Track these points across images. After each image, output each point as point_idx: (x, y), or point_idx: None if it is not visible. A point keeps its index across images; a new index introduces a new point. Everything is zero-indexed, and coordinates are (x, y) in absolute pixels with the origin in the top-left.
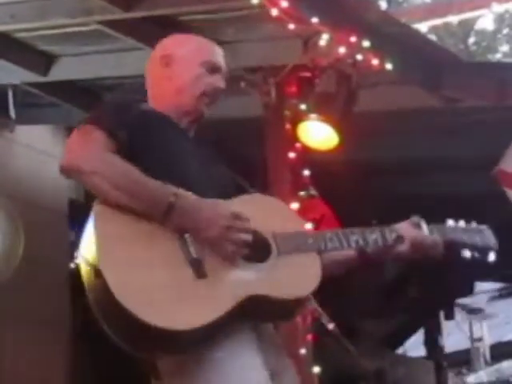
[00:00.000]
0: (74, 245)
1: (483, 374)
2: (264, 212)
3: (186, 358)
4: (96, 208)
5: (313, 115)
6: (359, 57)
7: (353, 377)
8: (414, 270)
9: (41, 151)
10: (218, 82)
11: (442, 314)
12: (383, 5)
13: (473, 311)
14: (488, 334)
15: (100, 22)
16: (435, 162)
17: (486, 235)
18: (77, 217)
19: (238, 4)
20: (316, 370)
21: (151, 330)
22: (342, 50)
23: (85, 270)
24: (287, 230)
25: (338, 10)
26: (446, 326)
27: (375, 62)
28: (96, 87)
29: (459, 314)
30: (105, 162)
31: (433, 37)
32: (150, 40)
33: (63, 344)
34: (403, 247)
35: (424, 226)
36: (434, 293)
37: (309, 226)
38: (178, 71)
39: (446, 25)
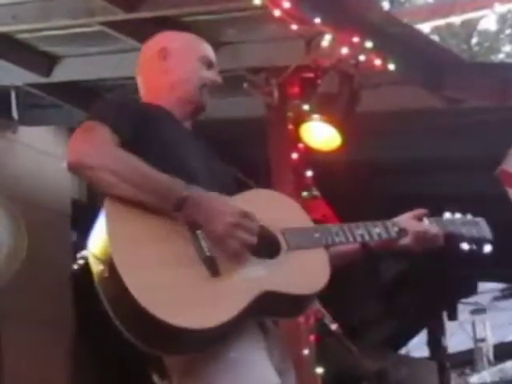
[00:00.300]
0: (77, 245)
1: (486, 374)
2: (270, 207)
3: (198, 356)
4: (107, 204)
5: (315, 116)
6: (362, 57)
7: (355, 377)
8: (414, 271)
9: (43, 152)
10: (216, 76)
11: (445, 315)
12: (386, 5)
13: (476, 312)
14: (491, 334)
15: (102, 23)
16: (437, 163)
17: (482, 227)
18: (79, 217)
19: (241, 5)
20: (319, 370)
21: (167, 328)
22: (344, 50)
23: (96, 267)
24: (294, 224)
25: (341, 10)
26: (449, 326)
27: (378, 62)
28: (98, 88)
29: (462, 315)
30: (111, 155)
31: (435, 37)
32: None
33: (64, 344)
34: (406, 240)
35: (425, 218)
36: (436, 293)
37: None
38: (177, 64)
39: (449, 25)
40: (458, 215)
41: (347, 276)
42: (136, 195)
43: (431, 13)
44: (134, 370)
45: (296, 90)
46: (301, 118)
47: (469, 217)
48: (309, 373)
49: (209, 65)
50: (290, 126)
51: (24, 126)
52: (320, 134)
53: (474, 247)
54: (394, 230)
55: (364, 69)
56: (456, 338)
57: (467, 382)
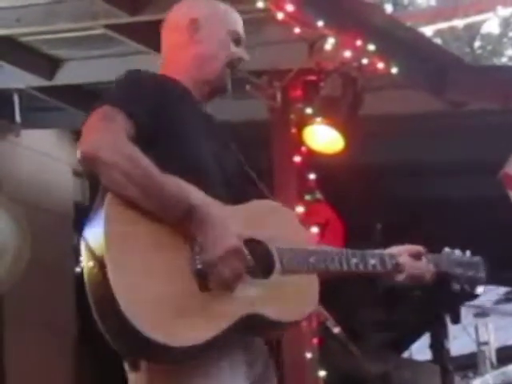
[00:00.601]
0: (79, 248)
1: (489, 377)
2: (271, 223)
3: (175, 367)
4: (109, 201)
5: (318, 119)
6: (365, 60)
7: (358, 380)
8: None
9: (46, 155)
10: (243, 53)
11: (447, 318)
12: (389, 8)
13: (479, 315)
14: (494, 337)
15: (106, 26)
16: (440, 166)
17: (479, 268)
18: (82, 220)
19: (244, 7)
20: (322, 373)
21: (146, 341)
22: (347, 53)
23: (87, 260)
24: (292, 244)
25: (344, 13)
26: (452, 329)
27: (380, 65)
28: (101, 91)
29: (465, 318)
30: (126, 155)
31: (438, 40)
32: (156, 44)
33: (67, 347)
34: (400, 277)
35: (424, 258)
36: (439, 297)
37: (314, 229)
38: (205, 37)
39: (452, 28)
40: (456, 253)
41: (350, 278)
42: (142, 200)
43: (434, 16)
44: None
45: (299, 93)
46: (304, 121)
47: (467, 255)
48: (311, 376)
49: (237, 41)
50: (293, 129)
51: (27, 129)
52: (323, 137)
53: (467, 288)
54: (390, 264)
55: (367, 72)
56: (459, 342)
57: None
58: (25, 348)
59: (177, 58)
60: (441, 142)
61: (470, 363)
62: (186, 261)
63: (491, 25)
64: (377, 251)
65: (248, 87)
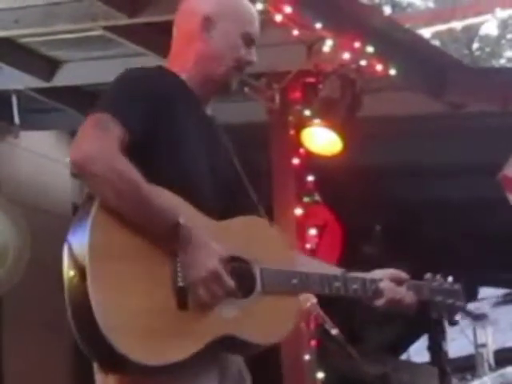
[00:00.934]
0: None
1: (487, 379)
2: (256, 241)
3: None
4: (96, 210)
5: (317, 121)
6: (363, 62)
7: (356, 382)
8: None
9: (45, 156)
10: (252, 55)
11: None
12: (387, 10)
13: (477, 317)
14: (492, 339)
15: (105, 28)
16: (439, 167)
17: (459, 297)
18: None
19: None
20: (320, 375)
21: (120, 357)
22: (345, 55)
23: (68, 268)
24: (277, 262)
25: (342, 15)
26: (450, 331)
27: (379, 67)
28: (100, 93)
29: (463, 320)
30: (116, 170)
31: (436, 42)
32: (155, 46)
33: (66, 346)
34: (380, 302)
35: (405, 284)
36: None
37: (313, 231)
38: (217, 37)
39: (450, 30)
40: (437, 279)
41: None
42: (129, 214)
43: (432, 18)
44: None
45: (297, 94)
46: (302, 123)
47: (448, 283)
48: (310, 378)
49: (249, 42)
50: (292, 131)
51: (26, 131)
52: (321, 139)
53: (445, 315)
54: (371, 289)
55: (365, 74)
56: (457, 344)
57: None
58: (24, 348)
59: (186, 49)
60: (440, 143)
61: (468, 365)
62: (167, 276)
63: (489, 26)
64: (360, 275)
65: (247, 89)
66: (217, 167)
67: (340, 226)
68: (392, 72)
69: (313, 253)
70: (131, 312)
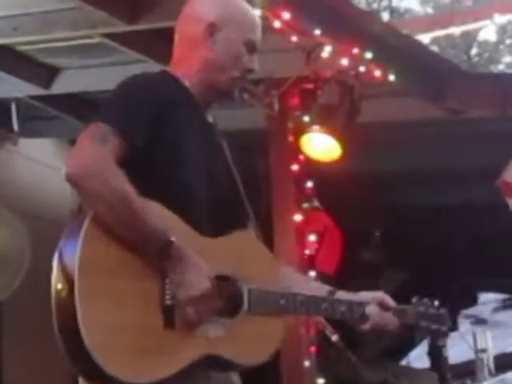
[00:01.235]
0: None
1: None
2: (245, 260)
3: None
4: (88, 223)
5: (316, 127)
6: (362, 68)
7: None
8: (414, 283)
9: (43, 163)
10: (254, 63)
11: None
12: (385, 16)
13: (477, 322)
14: (492, 344)
15: (103, 35)
16: (437, 173)
17: (444, 322)
18: None
19: None
20: (320, 381)
21: (103, 373)
22: (344, 61)
23: (56, 281)
24: (266, 282)
25: (341, 21)
26: (450, 337)
27: (378, 73)
28: (99, 100)
29: (463, 325)
30: (111, 187)
31: (435, 48)
32: (154, 52)
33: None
34: (365, 326)
35: (391, 311)
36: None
37: (312, 237)
38: (221, 44)
39: (448, 36)
40: (424, 303)
41: (349, 287)
42: (120, 230)
43: (431, 23)
44: None
45: (296, 101)
46: (301, 129)
47: (434, 307)
48: None
49: (252, 50)
50: (291, 137)
51: (24, 138)
52: (320, 145)
53: (429, 340)
54: (357, 312)
55: (364, 80)
56: (457, 349)
57: None
58: (24, 354)
59: (189, 55)
60: (439, 149)
61: (468, 371)
62: (155, 294)
63: (488, 32)
64: (347, 297)
65: (246, 95)
66: (215, 175)
67: (339, 232)
68: (390, 78)
69: (312, 259)
70: (117, 329)
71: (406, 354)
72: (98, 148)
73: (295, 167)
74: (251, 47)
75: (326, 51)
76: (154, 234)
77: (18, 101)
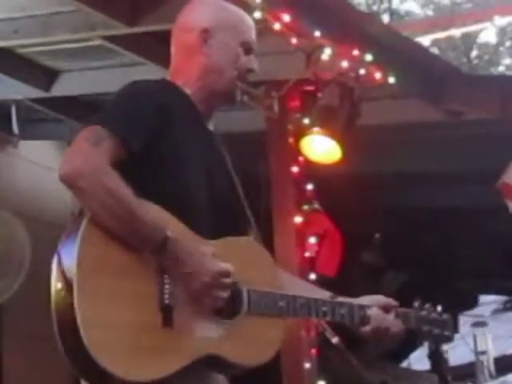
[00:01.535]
0: None
1: None
2: (245, 262)
3: None
4: (86, 224)
5: (316, 129)
6: (362, 70)
7: None
8: (415, 283)
9: (44, 166)
10: (252, 63)
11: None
12: (386, 18)
13: (477, 324)
14: (492, 347)
15: (103, 38)
16: (438, 176)
17: (447, 327)
18: None
19: None
20: (320, 383)
21: (103, 371)
22: (344, 63)
23: (56, 281)
24: (265, 285)
25: (341, 23)
26: None
27: (378, 75)
28: (99, 102)
29: (463, 327)
30: (105, 187)
31: (435, 50)
32: (154, 55)
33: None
34: (366, 329)
35: (393, 313)
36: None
37: (312, 239)
38: (217, 49)
39: (449, 38)
40: (426, 308)
41: (349, 289)
42: (117, 230)
43: (431, 26)
44: None
45: (296, 103)
46: (301, 132)
47: (436, 312)
48: None
49: (248, 50)
50: (291, 140)
51: (25, 141)
52: (320, 147)
53: (431, 345)
54: (358, 316)
55: (364, 82)
56: (457, 351)
57: None
58: (23, 360)
59: (186, 63)
60: (439, 151)
61: (469, 373)
62: (154, 293)
63: (488, 34)
64: (348, 301)
65: (245, 98)
66: (215, 181)
67: (339, 234)
68: (391, 80)
69: (312, 261)
70: (116, 328)
71: (406, 356)
72: (91, 149)
73: (295, 169)
74: (247, 48)
75: (326, 53)
76: (150, 231)
77: (18, 103)
